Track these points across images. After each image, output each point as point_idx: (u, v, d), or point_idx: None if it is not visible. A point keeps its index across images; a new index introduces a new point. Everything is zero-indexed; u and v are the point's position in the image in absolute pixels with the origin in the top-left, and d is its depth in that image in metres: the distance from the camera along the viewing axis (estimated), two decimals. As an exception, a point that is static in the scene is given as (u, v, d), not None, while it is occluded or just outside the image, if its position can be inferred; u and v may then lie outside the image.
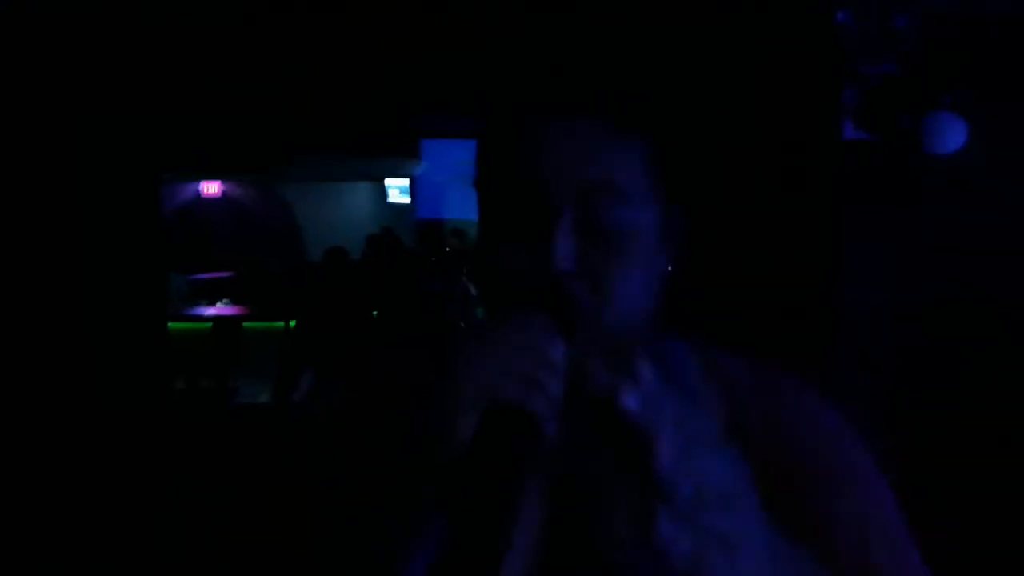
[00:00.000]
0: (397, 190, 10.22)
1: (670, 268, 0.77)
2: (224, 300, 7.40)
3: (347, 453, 0.72)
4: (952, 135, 3.36)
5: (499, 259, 0.72)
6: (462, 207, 8.91)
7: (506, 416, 0.60)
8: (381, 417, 0.72)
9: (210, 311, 7.06)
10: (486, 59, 3.05)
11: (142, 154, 3.45)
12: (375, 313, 5.96)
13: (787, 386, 0.81)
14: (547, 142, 0.71)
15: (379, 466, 0.66)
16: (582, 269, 0.69)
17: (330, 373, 0.86)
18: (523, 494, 0.59)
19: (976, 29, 3.33)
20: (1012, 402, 3.23)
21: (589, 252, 0.70)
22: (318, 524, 0.68)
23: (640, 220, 0.73)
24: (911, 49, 3.31)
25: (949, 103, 3.35)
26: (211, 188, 9.98)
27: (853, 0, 3.30)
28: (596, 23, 3.22)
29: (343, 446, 0.73)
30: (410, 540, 0.63)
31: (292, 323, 6.20)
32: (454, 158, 8.92)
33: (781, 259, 3.47)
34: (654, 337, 0.79)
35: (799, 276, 3.45)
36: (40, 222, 3.36)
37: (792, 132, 3.46)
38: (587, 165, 0.71)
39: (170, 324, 5.87)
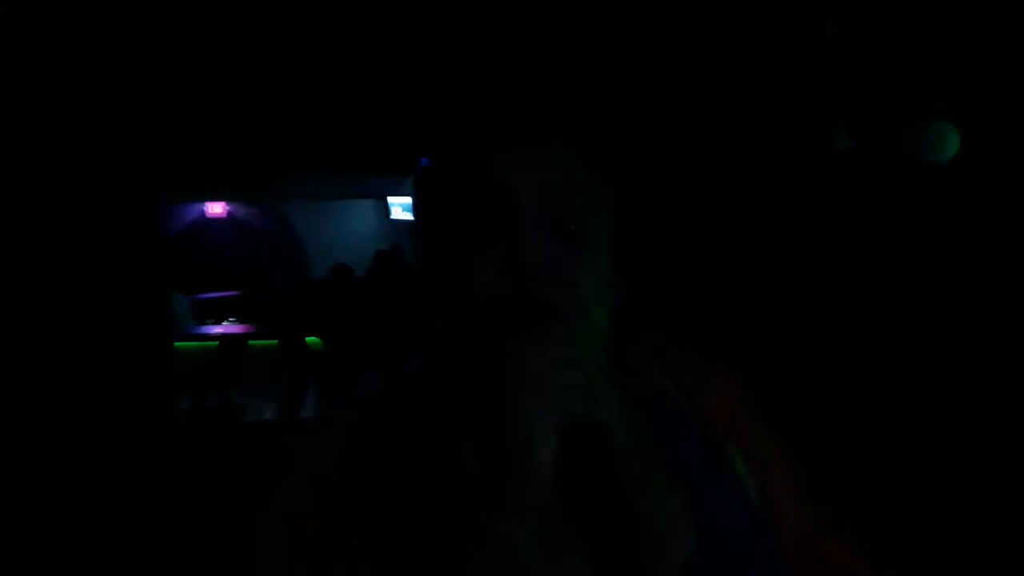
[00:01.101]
0: (400, 207, 10.26)
1: (632, 282, 0.78)
2: (230, 319, 7.44)
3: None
4: (946, 143, 3.40)
5: (464, 268, 0.71)
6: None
7: (583, 430, 0.60)
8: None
9: (216, 330, 7.10)
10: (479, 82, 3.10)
11: (146, 176, 3.48)
12: (380, 329, 5.99)
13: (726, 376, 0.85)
14: (513, 153, 0.72)
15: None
16: (551, 266, 0.70)
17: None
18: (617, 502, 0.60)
19: (964, 40, 3.35)
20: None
21: (556, 249, 0.71)
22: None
23: (602, 220, 0.74)
24: (901, 59, 3.34)
25: (942, 112, 3.39)
26: (216, 208, 10.04)
27: (842, 11, 3.33)
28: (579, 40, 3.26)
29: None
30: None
31: (281, 340, 6.21)
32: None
33: (771, 264, 3.48)
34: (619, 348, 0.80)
35: (788, 281, 3.46)
36: (42, 245, 3.39)
37: (783, 141, 3.48)
38: (551, 169, 0.72)
39: (176, 343, 5.92)
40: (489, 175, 0.72)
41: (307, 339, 6.17)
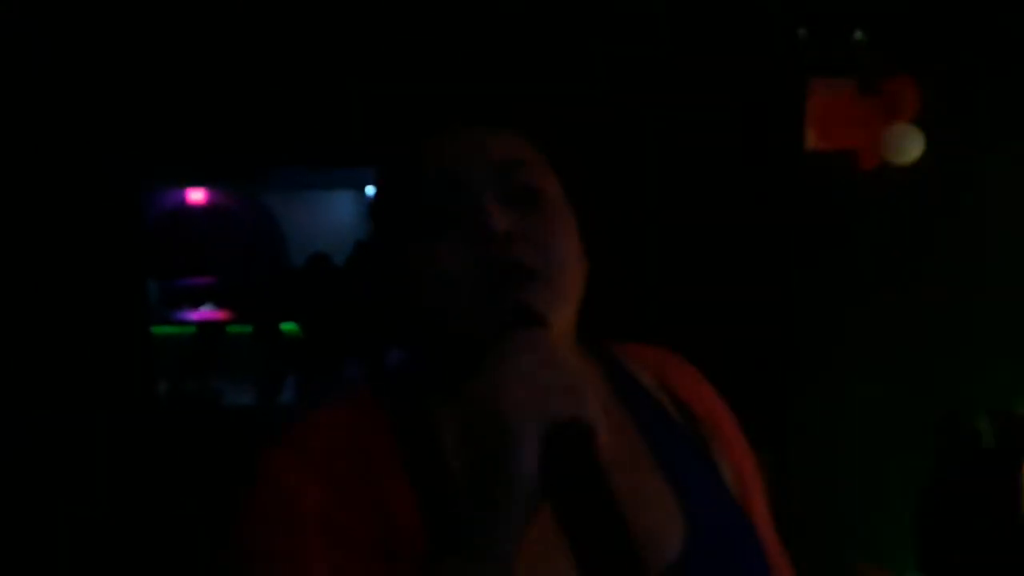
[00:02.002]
0: (379, 198, 10.27)
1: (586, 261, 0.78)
2: (207, 304, 7.41)
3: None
4: (910, 146, 3.48)
5: (432, 257, 0.70)
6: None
7: (570, 433, 0.58)
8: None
9: (194, 315, 7.08)
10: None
11: (124, 160, 3.48)
12: (356, 318, 6.02)
13: (688, 365, 0.86)
14: (459, 142, 0.74)
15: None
16: (520, 232, 0.70)
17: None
18: (612, 505, 0.58)
19: (933, 41, 3.42)
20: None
21: (520, 217, 0.71)
22: None
23: (553, 188, 0.75)
24: (869, 62, 3.42)
25: (910, 115, 3.47)
26: (196, 195, 10.00)
27: (813, 15, 3.40)
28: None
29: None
30: None
31: (255, 326, 6.22)
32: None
33: (744, 266, 3.54)
34: (589, 342, 0.80)
35: (761, 283, 3.52)
36: (20, 229, 3.39)
37: (756, 143, 3.54)
38: (496, 144, 0.74)
39: (154, 328, 5.91)
40: (432, 161, 0.73)
41: (283, 326, 6.17)
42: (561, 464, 0.58)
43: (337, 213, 10.71)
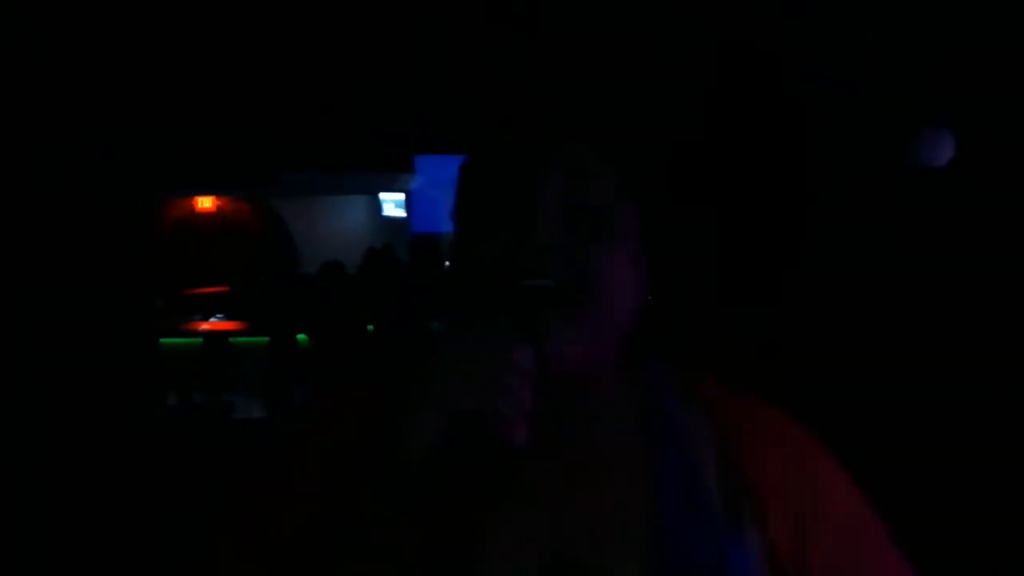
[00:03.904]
0: (392, 204, 10.22)
1: (649, 295, 0.75)
2: (218, 315, 7.38)
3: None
4: (942, 149, 3.39)
5: (477, 251, 0.70)
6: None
7: (469, 422, 0.59)
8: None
9: (204, 326, 7.05)
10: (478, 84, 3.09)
11: (131, 168, 3.45)
12: (371, 327, 5.95)
13: (783, 427, 0.78)
14: (536, 145, 0.72)
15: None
16: (560, 247, 0.68)
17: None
18: (491, 500, 0.59)
19: (958, 44, 3.35)
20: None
21: (569, 231, 0.69)
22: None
23: (622, 209, 0.72)
24: (892, 64, 3.33)
25: (938, 118, 3.38)
26: (205, 203, 9.98)
27: (831, 17, 3.32)
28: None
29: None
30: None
31: (271, 337, 6.18)
32: (448, 173, 8.90)
33: (762, 269, 3.47)
34: (630, 356, 0.77)
35: (779, 286, 3.45)
36: (23, 238, 3.35)
37: (774, 146, 3.47)
38: (568, 153, 0.71)
39: (163, 340, 5.87)
40: (507, 158, 0.72)
41: (298, 337, 6.12)
42: (456, 451, 0.59)
43: (348, 219, 10.67)
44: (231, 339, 6.80)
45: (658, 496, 0.71)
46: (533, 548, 0.68)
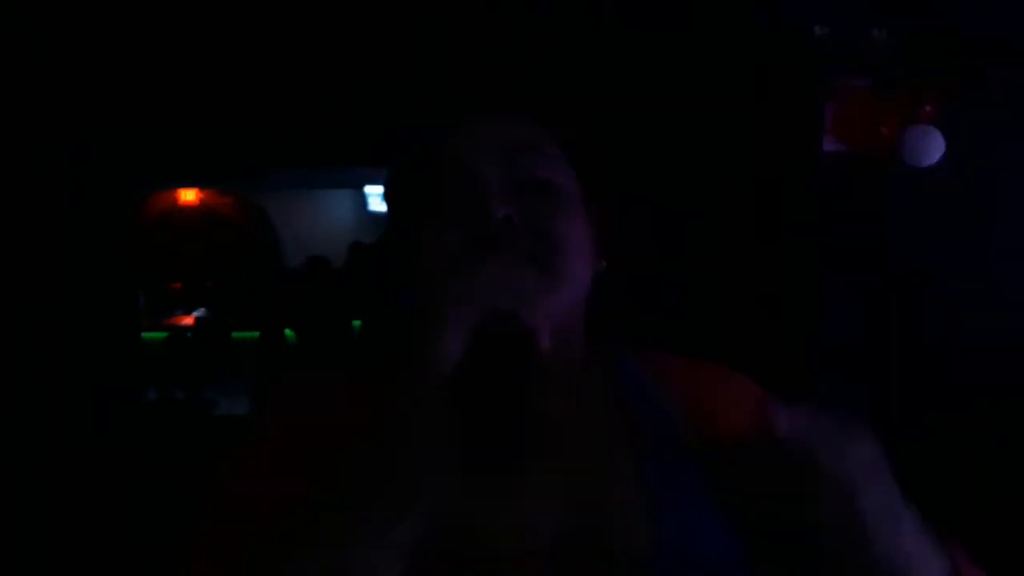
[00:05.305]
0: (378, 198, 10.17)
1: (604, 262, 0.77)
2: (201, 309, 7.33)
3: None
4: (931, 148, 3.39)
5: (435, 243, 0.71)
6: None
7: (503, 326, 0.60)
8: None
9: (187, 320, 7.00)
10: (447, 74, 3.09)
11: (112, 159, 3.42)
12: (356, 323, 5.92)
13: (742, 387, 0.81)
14: (474, 125, 0.74)
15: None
16: (522, 220, 0.70)
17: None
18: (530, 403, 0.60)
19: (954, 42, 3.35)
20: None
21: (524, 205, 0.71)
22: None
23: (569, 181, 0.74)
24: (888, 62, 3.33)
25: (928, 116, 3.38)
26: (188, 196, 9.89)
27: (830, 13, 3.32)
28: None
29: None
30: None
31: (258, 333, 6.15)
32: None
33: (760, 271, 3.48)
34: (601, 344, 0.79)
35: (778, 288, 3.46)
36: (3, 230, 3.32)
37: (772, 144, 3.47)
38: (511, 132, 0.74)
39: (144, 334, 5.80)
40: (445, 142, 0.74)
41: (286, 333, 6.09)
42: (488, 356, 0.61)
43: (333, 214, 10.61)
44: (215, 334, 6.75)
45: (641, 465, 0.73)
46: (549, 515, 0.68)
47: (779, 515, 0.63)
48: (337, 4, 3.27)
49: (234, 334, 6.89)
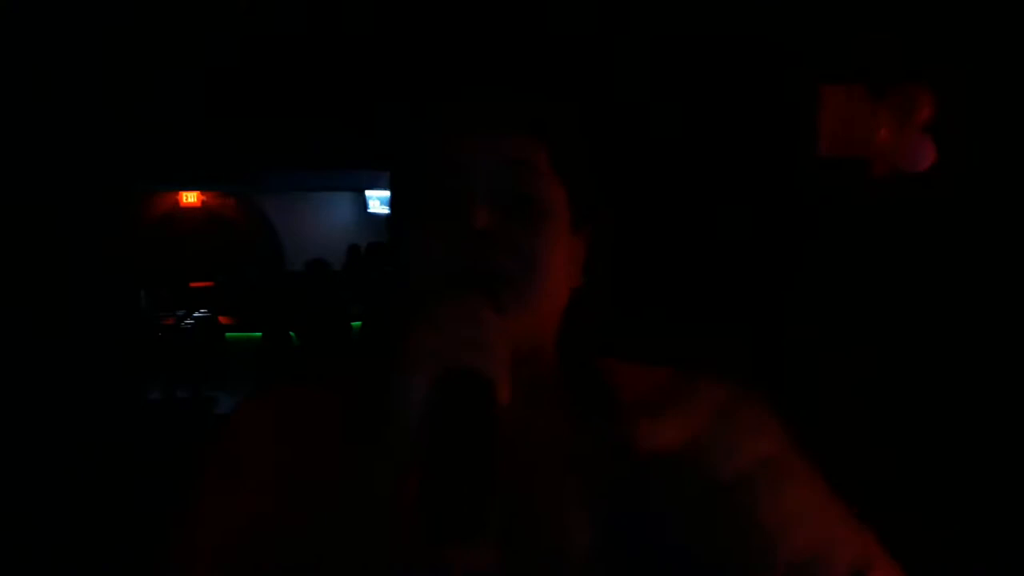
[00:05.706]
0: (378, 201, 10.19)
1: (588, 277, 0.77)
2: (202, 310, 7.35)
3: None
4: (923, 153, 3.41)
5: (420, 246, 0.72)
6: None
7: (463, 380, 0.61)
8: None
9: (188, 321, 7.01)
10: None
11: (116, 161, 3.42)
12: (356, 324, 5.95)
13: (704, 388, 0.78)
14: (470, 136, 0.74)
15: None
16: (501, 235, 0.70)
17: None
18: (491, 456, 0.59)
19: (949, 46, 3.37)
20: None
21: (506, 219, 0.71)
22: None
23: (554, 197, 0.74)
24: (883, 67, 3.35)
25: (921, 121, 3.40)
26: (190, 198, 9.92)
27: (825, 18, 3.34)
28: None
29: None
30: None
31: (260, 333, 6.17)
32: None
33: (754, 272, 3.48)
34: (574, 355, 0.79)
35: (769, 290, 3.47)
36: (5, 230, 3.33)
37: (767, 149, 3.48)
38: (505, 145, 0.73)
39: (147, 334, 5.83)
40: (439, 148, 0.74)
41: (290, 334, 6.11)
42: (448, 408, 0.60)
43: (333, 216, 10.64)
44: (216, 335, 6.77)
45: (591, 480, 0.72)
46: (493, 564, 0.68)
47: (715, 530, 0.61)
48: (337, 6, 3.29)
49: (228, 335, 6.91)
